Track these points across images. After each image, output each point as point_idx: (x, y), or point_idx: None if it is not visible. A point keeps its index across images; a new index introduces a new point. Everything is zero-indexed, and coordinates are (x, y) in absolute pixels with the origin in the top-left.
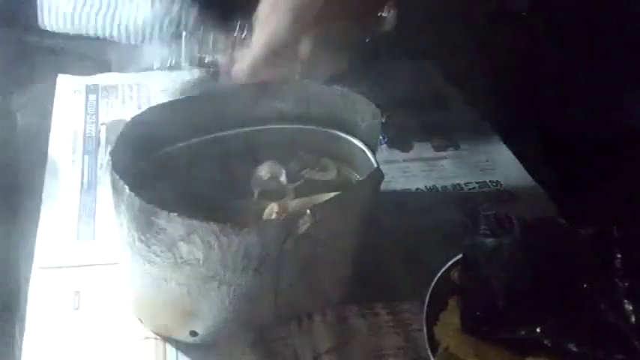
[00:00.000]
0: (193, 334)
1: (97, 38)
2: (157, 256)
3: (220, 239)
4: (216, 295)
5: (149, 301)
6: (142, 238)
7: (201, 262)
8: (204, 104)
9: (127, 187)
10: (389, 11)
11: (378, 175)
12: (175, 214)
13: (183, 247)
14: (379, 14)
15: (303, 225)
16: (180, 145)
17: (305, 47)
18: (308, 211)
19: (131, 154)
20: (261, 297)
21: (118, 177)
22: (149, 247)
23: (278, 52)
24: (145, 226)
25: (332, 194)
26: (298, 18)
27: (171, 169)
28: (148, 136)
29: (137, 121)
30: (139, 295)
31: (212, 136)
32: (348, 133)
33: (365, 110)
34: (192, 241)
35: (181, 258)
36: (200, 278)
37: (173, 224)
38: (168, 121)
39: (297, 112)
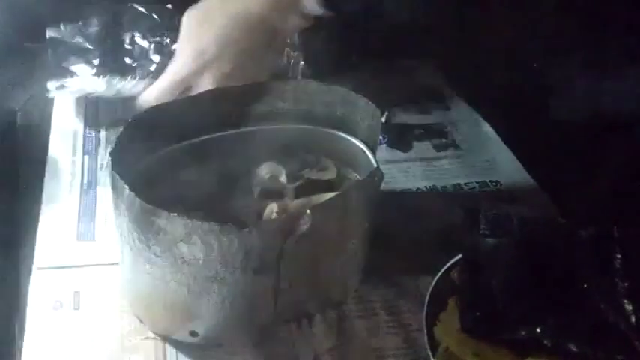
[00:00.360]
0: (193, 334)
1: None
2: (157, 256)
3: (220, 239)
4: (216, 295)
5: (149, 301)
6: (142, 238)
7: (201, 262)
8: (204, 104)
9: (127, 187)
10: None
11: (378, 175)
12: (175, 214)
13: (184, 247)
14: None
15: (303, 225)
16: (180, 145)
17: (206, 81)
18: (308, 211)
19: (131, 154)
20: (261, 297)
21: (118, 177)
22: (149, 247)
23: (181, 86)
24: (145, 226)
25: (332, 194)
26: (199, 57)
27: (171, 169)
28: (147, 136)
29: (137, 121)
30: (139, 295)
31: (212, 136)
32: (348, 133)
33: (365, 110)
34: (192, 241)
35: (181, 258)
36: (200, 278)
37: (173, 224)
38: (168, 121)
39: (297, 112)
